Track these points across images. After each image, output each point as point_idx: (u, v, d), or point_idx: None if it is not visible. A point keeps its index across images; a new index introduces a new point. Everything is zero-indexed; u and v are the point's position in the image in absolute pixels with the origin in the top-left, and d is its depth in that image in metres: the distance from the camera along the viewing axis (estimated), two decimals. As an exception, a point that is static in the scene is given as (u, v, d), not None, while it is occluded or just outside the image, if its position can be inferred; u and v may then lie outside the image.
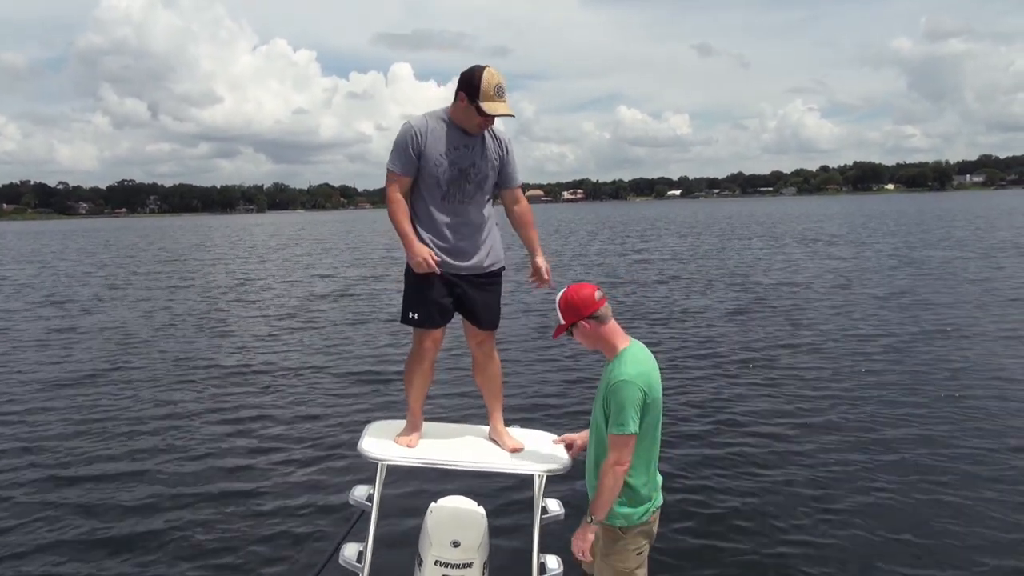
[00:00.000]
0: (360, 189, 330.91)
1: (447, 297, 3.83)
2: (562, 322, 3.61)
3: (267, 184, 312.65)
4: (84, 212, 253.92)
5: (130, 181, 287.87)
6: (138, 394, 10.78)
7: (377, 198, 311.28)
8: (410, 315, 3.84)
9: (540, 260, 3.96)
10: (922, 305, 16.89)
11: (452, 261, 3.80)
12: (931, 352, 12.17)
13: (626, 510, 3.54)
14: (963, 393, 9.73)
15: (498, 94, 3.54)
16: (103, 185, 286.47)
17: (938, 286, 19.96)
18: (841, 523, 6.15)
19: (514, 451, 3.89)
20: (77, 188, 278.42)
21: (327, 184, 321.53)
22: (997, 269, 23.31)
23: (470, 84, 3.56)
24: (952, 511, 6.32)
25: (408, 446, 3.82)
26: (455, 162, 3.70)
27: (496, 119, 3.68)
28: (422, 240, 3.78)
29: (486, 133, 3.79)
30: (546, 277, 3.97)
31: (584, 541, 3.53)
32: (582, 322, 3.55)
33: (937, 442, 7.97)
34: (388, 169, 3.76)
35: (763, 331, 14.48)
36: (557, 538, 4.11)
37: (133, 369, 12.48)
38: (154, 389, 11.06)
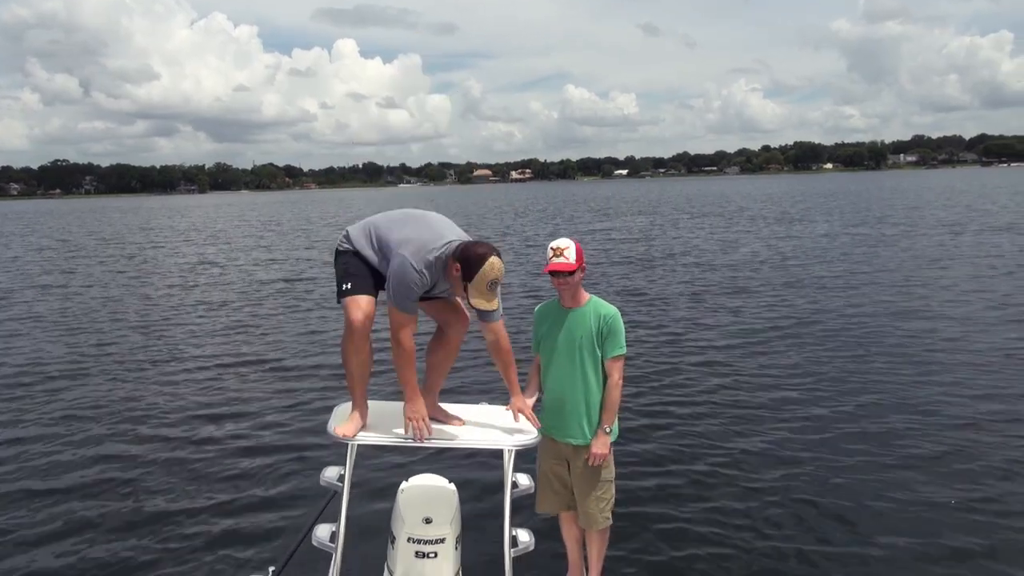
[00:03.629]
0: (305, 169, 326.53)
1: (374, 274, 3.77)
2: (575, 259, 4.09)
3: (208, 164, 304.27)
4: (16, 193, 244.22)
5: (64, 161, 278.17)
6: (92, 387, 10.40)
7: (323, 178, 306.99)
8: (343, 287, 3.71)
9: (516, 402, 3.93)
10: (877, 283, 17.45)
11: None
12: (892, 330, 12.59)
13: (616, 426, 4.28)
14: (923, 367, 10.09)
15: (490, 289, 3.52)
16: (35, 165, 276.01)
17: (888, 263, 20.62)
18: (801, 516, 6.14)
19: (455, 425, 3.93)
20: (7, 168, 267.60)
21: (271, 164, 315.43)
22: (954, 246, 24.17)
23: (468, 265, 3.50)
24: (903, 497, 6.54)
25: (345, 435, 3.69)
26: (440, 290, 3.82)
27: None
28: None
29: None
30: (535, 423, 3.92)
31: (605, 448, 4.18)
32: (582, 269, 4.17)
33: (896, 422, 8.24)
34: (395, 309, 3.59)
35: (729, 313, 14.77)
36: (528, 512, 4.23)
37: (83, 362, 12.02)
38: (107, 382, 10.72)
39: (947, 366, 10.11)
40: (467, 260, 3.49)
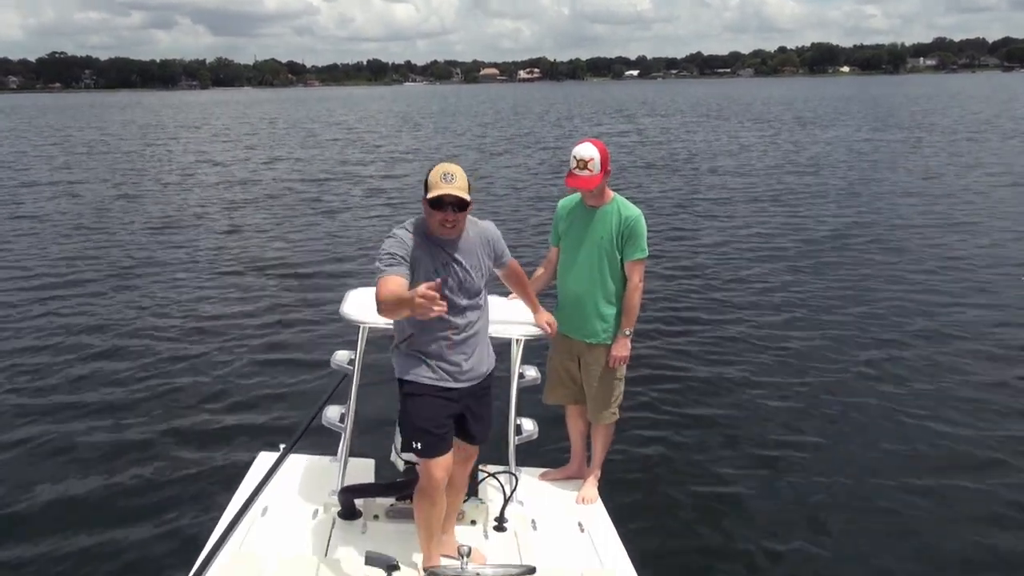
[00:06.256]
0: (309, 65, 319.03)
1: (449, 418, 3.40)
2: (599, 172, 3.98)
3: (209, 59, 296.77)
4: (14, 87, 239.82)
5: (61, 53, 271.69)
6: (100, 285, 10.39)
7: (327, 75, 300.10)
8: (413, 445, 3.34)
9: (542, 318, 3.95)
10: (908, 192, 17.29)
11: (456, 383, 3.40)
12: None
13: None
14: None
15: (445, 180, 3.20)
16: (32, 57, 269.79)
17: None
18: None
19: None
20: (4, 60, 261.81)
21: (274, 60, 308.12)
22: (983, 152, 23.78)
23: (424, 185, 3.29)
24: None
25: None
26: (445, 281, 3.31)
27: (470, 217, 3.38)
28: (422, 361, 3.36)
29: (471, 234, 3.41)
30: (550, 331, 3.98)
31: (626, 350, 4.20)
32: (607, 172, 4.03)
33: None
34: (378, 273, 3.22)
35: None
36: (533, 402, 4.33)
37: (91, 261, 11.87)
38: (114, 279, 10.70)
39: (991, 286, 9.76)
40: (424, 185, 3.31)
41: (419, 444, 3.29)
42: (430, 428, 3.29)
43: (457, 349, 3.38)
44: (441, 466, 3.31)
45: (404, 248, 3.24)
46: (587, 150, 3.95)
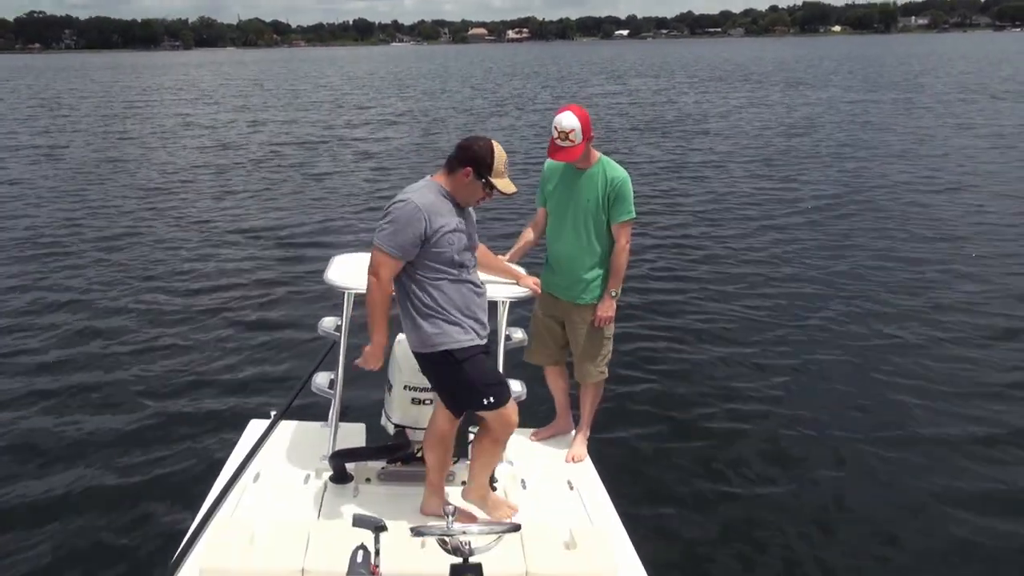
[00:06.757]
0: (294, 25, 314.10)
1: None
2: (581, 141, 3.94)
3: (192, 18, 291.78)
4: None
5: (40, 13, 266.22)
6: (90, 254, 10.26)
7: (312, 35, 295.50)
8: (485, 402, 3.40)
9: (527, 280, 4.04)
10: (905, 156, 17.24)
11: (481, 340, 3.50)
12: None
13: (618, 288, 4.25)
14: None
15: (507, 169, 3.44)
16: (10, 17, 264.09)
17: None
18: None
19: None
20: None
21: (258, 19, 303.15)
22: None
23: (479, 161, 3.35)
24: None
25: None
26: (461, 238, 3.44)
27: None
28: (454, 324, 3.41)
29: None
30: (537, 290, 4.10)
31: (612, 311, 4.19)
32: (590, 138, 4.00)
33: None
34: (380, 247, 3.29)
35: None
36: (520, 363, 4.35)
37: (76, 228, 11.74)
38: (100, 250, 10.53)
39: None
40: (476, 157, 3.36)
41: (492, 398, 3.40)
42: (495, 380, 3.46)
43: (480, 305, 3.53)
44: (514, 408, 3.49)
45: (426, 225, 3.27)
46: (568, 120, 3.90)
